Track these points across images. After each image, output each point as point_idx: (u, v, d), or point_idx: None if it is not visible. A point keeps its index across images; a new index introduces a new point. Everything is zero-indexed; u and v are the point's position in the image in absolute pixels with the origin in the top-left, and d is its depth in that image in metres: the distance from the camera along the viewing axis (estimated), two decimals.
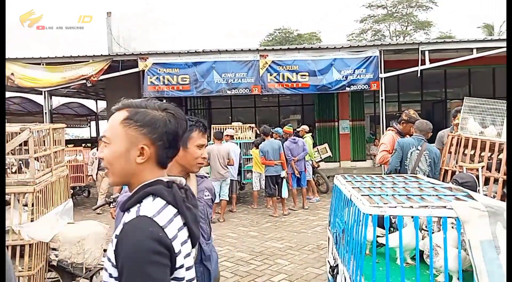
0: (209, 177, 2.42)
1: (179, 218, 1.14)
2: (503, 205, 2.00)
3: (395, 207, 2.05)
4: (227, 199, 7.76)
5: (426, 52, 9.56)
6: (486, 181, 3.96)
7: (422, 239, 2.41)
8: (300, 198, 8.54)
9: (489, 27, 26.82)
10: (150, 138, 1.14)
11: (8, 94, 14.27)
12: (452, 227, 2.25)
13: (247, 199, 9.54)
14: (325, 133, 13.67)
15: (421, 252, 2.27)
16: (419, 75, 9.72)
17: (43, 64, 9.84)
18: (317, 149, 10.74)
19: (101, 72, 9.75)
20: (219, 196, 7.45)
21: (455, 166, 4.24)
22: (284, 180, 7.93)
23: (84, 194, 10.11)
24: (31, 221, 3.41)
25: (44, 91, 10.02)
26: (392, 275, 2.08)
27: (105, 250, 3.52)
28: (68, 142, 11.40)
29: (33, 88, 10.58)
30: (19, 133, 3.44)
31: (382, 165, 6.33)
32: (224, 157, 7.46)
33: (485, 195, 3.60)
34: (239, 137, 9.29)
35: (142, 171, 1.16)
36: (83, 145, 14.02)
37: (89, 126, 25.14)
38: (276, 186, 7.85)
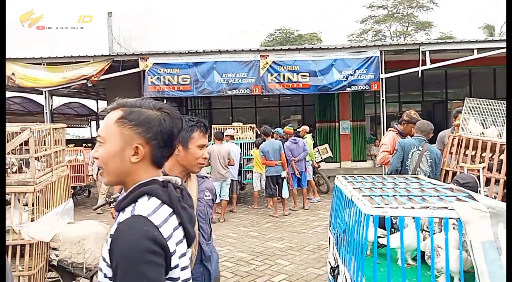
0: (210, 177, 2.41)
1: (174, 217, 1.14)
2: (505, 205, 1.99)
3: (396, 207, 2.04)
4: (228, 199, 7.77)
5: (427, 53, 9.55)
6: (487, 182, 3.95)
7: (423, 240, 2.40)
8: (300, 198, 8.53)
9: (489, 27, 26.80)
10: (144, 137, 1.14)
11: (9, 94, 14.29)
12: (454, 228, 2.24)
13: (248, 199, 9.54)
14: (326, 133, 13.67)
15: (422, 253, 2.27)
16: (419, 75, 9.70)
17: (43, 64, 9.85)
18: (318, 149, 10.74)
19: (101, 72, 9.75)
20: (220, 196, 7.45)
21: (456, 167, 4.23)
22: (285, 180, 7.93)
23: (84, 194, 10.11)
24: (32, 220, 3.41)
25: (45, 91, 10.03)
26: (393, 276, 2.07)
27: None
28: (68, 141, 11.42)
29: (34, 88, 10.59)
30: (20, 133, 3.44)
31: (383, 166, 6.32)
32: (225, 157, 7.46)
33: (486, 195, 3.59)
34: (239, 138, 9.29)
35: (137, 170, 1.16)
36: (84, 144, 14.04)
37: (90, 126, 25.17)
38: (277, 186, 7.85)
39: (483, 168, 3.91)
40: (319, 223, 7.11)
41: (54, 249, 3.62)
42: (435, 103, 15.05)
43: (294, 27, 36.02)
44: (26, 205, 3.44)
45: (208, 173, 7.15)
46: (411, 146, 4.16)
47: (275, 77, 9.71)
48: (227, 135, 8.36)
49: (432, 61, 9.56)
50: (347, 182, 2.96)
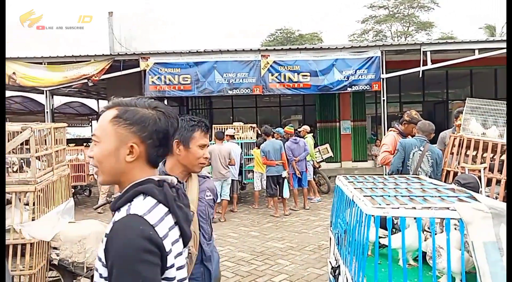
0: (211, 177, 2.41)
1: (170, 217, 1.13)
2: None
3: (398, 208, 2.04)
4: (228, 198, 7.76)
5: (428, 53, 9.54)
6: (488, 182, 3.94)
7: (425, 240, 2.40)
8: (301, 198, 8.53)
9: (491, 28, 26.77)
10: (139, 136, 1.13)
11: (9, 93, 14.29)
12: (455, 229, 2.24)
13: (248, 199, 9.54)
14: (326, 133, 13.66)
15: (424, 254, 2.26)
16: (420, 76, 9.70)
17: (44, 64, 9.86)
18: (318, 149, 10.73)
19: (102, 71, 9.76)
20: (220, 196, 7.45)
21: (457, 167, 4.22)
22: (285, 180, 7.92)
23: (85, 193, 10.12)
24: (32, 220, 3.41)
25: (46, 91, 10.03)
26: (394, 277, 2.07)
27: None
28: (69, 141, 11.41)
29: (34, 88, 10.59)
30: (21, 132, 3.44)
31: (384, 166, 6.31)
32: (226, 157, 7.47)
33: (487, 196, 3.59)
34: (240, 137, 9.29)
35: (132, 169, 1.15)
36: (84, 144, 14.00)
37: (91, 125, 25.16)
38: (277, 186, 7.85)
39: (484, 168, 3.90)
40: (320, 223, 7.11)
41: (55, 248, 3.62)
42: (436, 104, 15.04)
43: (294, 27, 36.06)
44: (27, 204, 3.44)
45: (209, 173, 7.15)
46: (412, 146, 4.16)
47: (276, 77, 9.70)
48: (227, 135, 8.36)
49: (433, 62, 9.56)
50: (348, 182, 2.96)
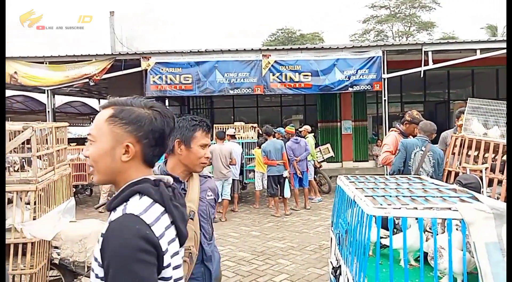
0: (212, 177, 2.40)
1: (166, 216, 1.13)
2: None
3: (399, 208, 2.03)
4: (229, 198, 7.77)
5: (429, 53, 9.53)
6: (490, 183, 3.94)
7: (426, 240, 2.40)
8: (302, 198, 8.53)
9: (492, 28, 26.74)
10: (135, 136, 1.13)
11: (11, 92, 14.30)
12: (457, 229, 2.23)
13: (249, 199, 9.54)
14: (327, 133, 13.65)
15: (425, 254, 2.26)
16: (422, 76, 9.68)
17: (46, 63, 9.87)
18: (319, 149, 10.72)
19: (104, 71, 9.76)
20: (221, 196, 7.45)
21: (459, 167, 4.22)
22: (286, 180, 7.92)
23: (86, 193, 10.13)
24: (34, 219, 3.41)
25: (47, 90, 10.05)
26: (395, 277, 2.06)
27: None
28: (70, 140, 11.41)
29: (36, 87, 10.61)
30: (22, 131, 3.45)
31: (385, 166, 6.31)
32: (226, 157, 7.47)
33: (489, 196, 3.58)
34: (241, 137, 9.29)
35: (128, 169, 1.15)
36: (86, 143, 14.03)
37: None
38: (278, 186, 7.84)
39: (486, 168, 3.90)
40: (321, 222, 7.10)
41: (56, 247, 3.62)
42: (437, 104, 15.02)
43: (294, 27, 36.05)
44: (28, 203, 3.44)
45: (210, 172, 7.16)
46: (413, 146, 4.15)
47: (277, 77, 9.70)
48: (228, 135, 8.36)
49: (434, 62, 9.54)
50: (350, 182, 2.95)
